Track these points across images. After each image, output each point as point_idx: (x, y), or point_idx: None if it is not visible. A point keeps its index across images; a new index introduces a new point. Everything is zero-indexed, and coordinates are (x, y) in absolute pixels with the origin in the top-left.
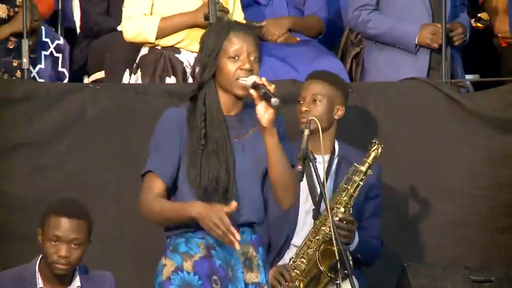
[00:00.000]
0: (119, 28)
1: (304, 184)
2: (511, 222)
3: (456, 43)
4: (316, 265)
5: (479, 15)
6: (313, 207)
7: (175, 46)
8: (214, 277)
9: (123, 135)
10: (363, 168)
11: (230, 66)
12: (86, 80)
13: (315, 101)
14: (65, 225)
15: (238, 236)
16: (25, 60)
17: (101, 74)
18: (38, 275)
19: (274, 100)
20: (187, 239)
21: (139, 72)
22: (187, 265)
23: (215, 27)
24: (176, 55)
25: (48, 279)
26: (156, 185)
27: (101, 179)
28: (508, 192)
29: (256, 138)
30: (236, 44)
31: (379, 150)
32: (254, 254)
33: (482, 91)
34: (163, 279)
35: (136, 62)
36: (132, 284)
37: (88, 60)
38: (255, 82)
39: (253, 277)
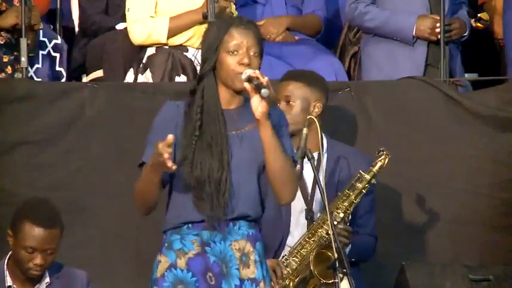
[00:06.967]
0: (117, 27)
1: None
2: (510, 221)
3: (453, 37)
4: (308, 267)
5: (479, 15)
6: (305, 207)
7: (183, 44)
8: (209, 274)
9: (122, 134)
10: (368, 177)
11: (229, 60)
12: (85, 79)
13: (289, 102)
14: (40, 236)
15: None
16: (23, 59)
17: (99, 73)
18: (6, 273)
19: (264, 91)
20: (183, 235)
21: (148, 73)
22: (181, 262)
23: (217, 22)
24: (184, 53)
25: (17, 278)
26: None
27: (100, 178)
28: (507, 190)
29: (255, 132)
30: (236, 39)
31: (386, 160)
32: (251, 249)
33: (481, 90)
34: (157, 276)
35: (144, 62)
36: (132, 281)
37: (87, 59)
38: (249, 75)
39: (249, 273)
